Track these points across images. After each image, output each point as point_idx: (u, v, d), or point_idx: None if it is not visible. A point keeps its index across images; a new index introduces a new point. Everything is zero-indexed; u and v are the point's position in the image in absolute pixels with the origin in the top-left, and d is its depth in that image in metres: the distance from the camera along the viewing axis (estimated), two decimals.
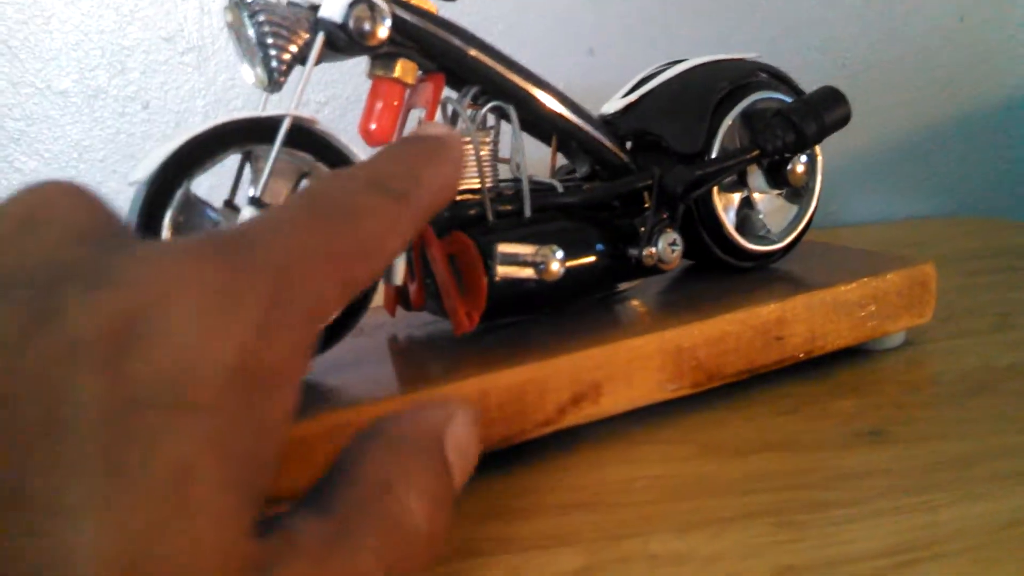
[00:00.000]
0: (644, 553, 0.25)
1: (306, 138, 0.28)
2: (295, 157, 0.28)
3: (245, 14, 0.28)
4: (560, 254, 0.31)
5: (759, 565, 0.24)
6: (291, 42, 0.28)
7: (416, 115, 0.32)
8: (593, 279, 0.35)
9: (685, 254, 0.36)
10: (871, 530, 0.26)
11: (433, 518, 0.18)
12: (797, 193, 0.40)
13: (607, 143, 0.36)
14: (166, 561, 0.14)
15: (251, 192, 0.27)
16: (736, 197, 0.39)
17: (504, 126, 0.34)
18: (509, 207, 0.33)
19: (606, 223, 0.35)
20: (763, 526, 0.26)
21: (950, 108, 0.75)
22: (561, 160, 0.39)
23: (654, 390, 0.33)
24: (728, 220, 0.38)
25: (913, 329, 0.40)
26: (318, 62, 0.29)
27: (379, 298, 0.35)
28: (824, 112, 0.36)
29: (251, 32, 0.27)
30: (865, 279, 0.37)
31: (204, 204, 0.28)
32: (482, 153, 0.32)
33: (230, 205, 0.30)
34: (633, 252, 0.35)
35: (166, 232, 0.26)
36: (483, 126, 0.33)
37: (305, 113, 0.28)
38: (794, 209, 0.40)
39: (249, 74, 0.29)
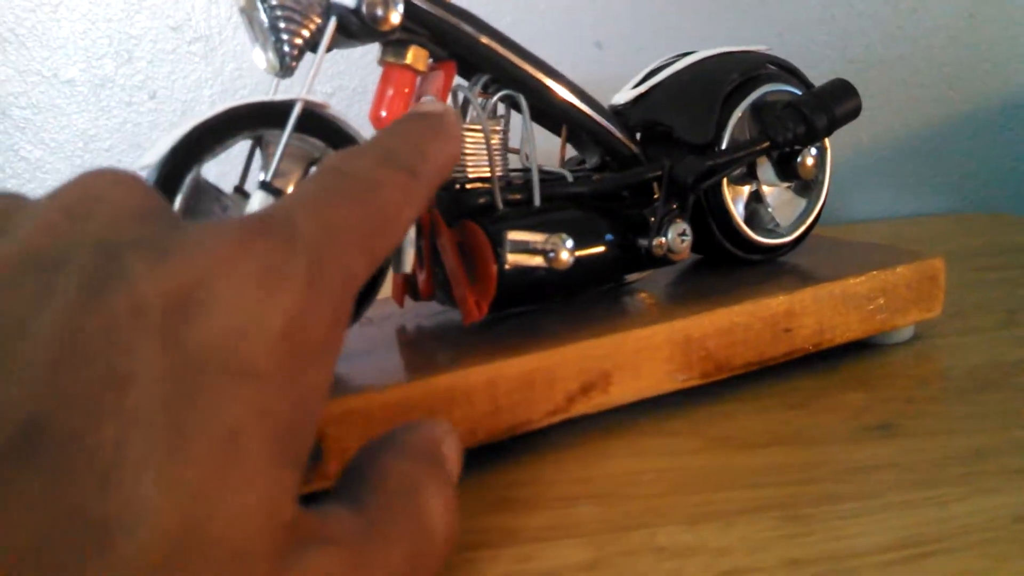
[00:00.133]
0: (651, 545, 0.25)
1: (317, 123, 0.28)
2: (306, 142, 0.28)
3: None
4: (570, 243, 0.31)
5: (767, 558, 0.24)
6: (303, 27, 0.28)
7: None
8: (603, 268, 0.34)
9: (693, 247, 0.36)
10: (880, 524, 0.25)
11: (449, 521, 0.20)
12: (806, 186, 0.40)
13: (617, 133, 0.36)
14: (217, 520, 0.14)
15: (262, 177, 0.27)
16: (745, 190, 0.39)
17: (514, 115, 0.34)
18: (518, 196, 0.33)
19: (616, 213, 0.35)
20: (771, 519, 0.26)
21: (957, 105, 0.74)
22: (571, 151, 0.39)
23: (663, 380, 0.33)
24: (737, 212, 0.38)
25: (921, 324, 0.40)
26: (330, 48, 0.29)
27: (387, 288, 0.34)
28: (834, 104, 0.36)
29: (263, 17, 0.27)
30: (874, 272, 0.37)
31: (214, 189, 0.28)
32: (492, 142, 0.32)
33: (240, 190, 0.30)
34: (643, 242, 0.35)
35: None
36: (493, 115, 0.33)
37: (317, 98, 0.28)
38: (803, 202, 0.40)
39: (261, 59, 0.29)
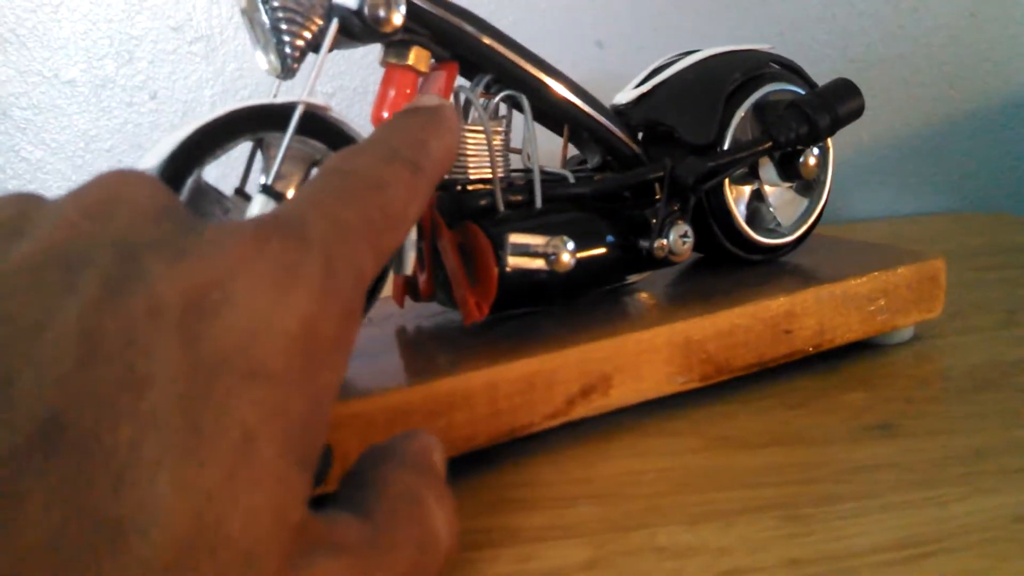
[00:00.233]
0: (652, 545, 0.25)
1: (319, 126, 0.28)
2: (307, 145, 0.28)
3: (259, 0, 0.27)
4: (571, 245, 0.31)
5: (767, 558, 0.24)
6: (305, 28, 0.28)
7: None
8: (604, 270, 0.34)
9: (695, 247, 0.36)
10: (880, 524, 0.25)
11: (451, 531, 0.20)
12: (808, 186, 0.40)
13: (619, 133, 0.36)
14: (229, 522, 0.14)
15: (263, 180, 0.27)
16: (747, 189, 0.39)
17: (516, 116, 0.34)
18: (520, 197, 0.33)
19: (617, 214, 0.35)
20: (772, 519, 0.26)
21: (957, 104, 0.74)
22: (572, 151, 0.39)
23: (663, 382, 0.33)
24: (739, 212, 0.38)
25: (921, 324, 0.40)
26: (332, 49, 0.29)
27: (387, 289, 0.35)
28: (837, 104, 0.36)
29: (265, 18, 0.27)
30: (875, 273, 0.37)
31: (215, 191, 0.28)
32: (494, 143, 0.32)
33: (241, 193, 0.30)
34: (644, 243, 0.35)
35: None
36: (495, 115, 0.33)
37: (318, 100, 0.28)
38: (805, 202, 0.40)
39: (262, 60, 0.29)
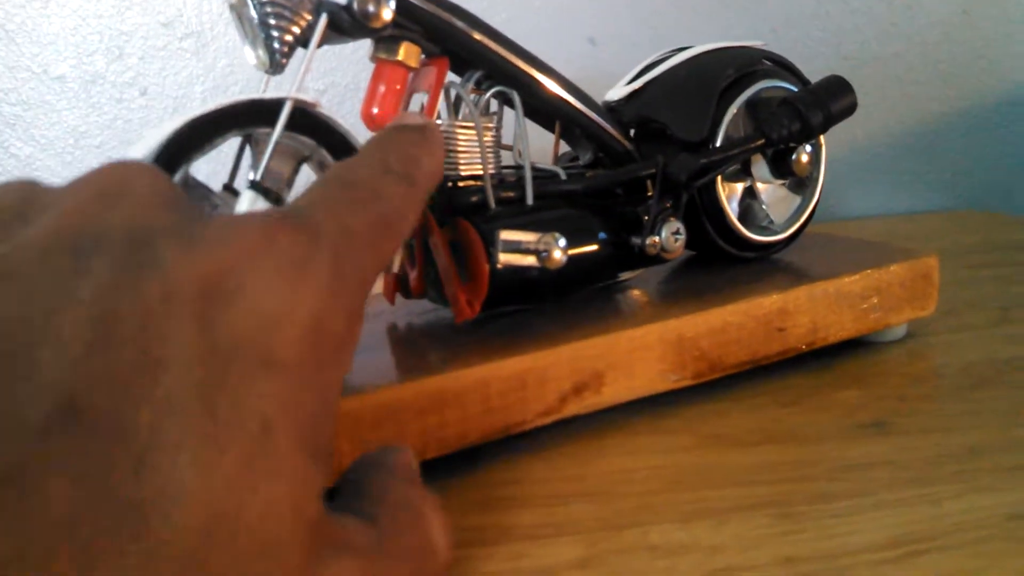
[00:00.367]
0: (644, 543, 0.25)
1: (308, 122, 0.28)
2: (296, 141, 0.28)
3: None
4: (563, 242, 0.31)
5: (760, 556, 0.24)
6: (293, 23, 0.27)
7: (419, 100, 0.31)
8: (596, 267, 0.34)
9: (687, 244, 0.36)
10: (874, 522, 0.25)
11: (448, 542, 0.20)
12: (800, 183, 0.40)
13: (611, 130, 0.36)
14: (248, 510, 0.14)
15: (251, 175, 0.27)
16: (739, 187, 0.39)
17: (507, 113, 0.34)
18: (511, 194, 0.33)
19: (609, 211, 0.35)
20: (765, 517, 0.26)
21: (951, 102, 0.74)
22: (564, 148, 0.39)
23: (656, 380, 0.32)
24: (731, 210, 0.38)
25: (914, 322, 0.40)
26: (321, 44, 0.28)
27: (378, 286, 0.34)
28: (830, 101, 0.36)
29: (253, 13, 0.27)
30: (868, 270, 0.37)
31: (203, 187, 0.28)
32: (485, 139, 0.32)
33: (229, 188, 0.29)
34: (636, 240, 0.34)
35: None
36: (486, 112, 0.33)
37: (307, 96, 0.27)
38: (797, 200, 0.40)
39: (251, 56, 0.28)
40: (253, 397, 0.15)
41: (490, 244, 0.30)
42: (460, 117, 0.33)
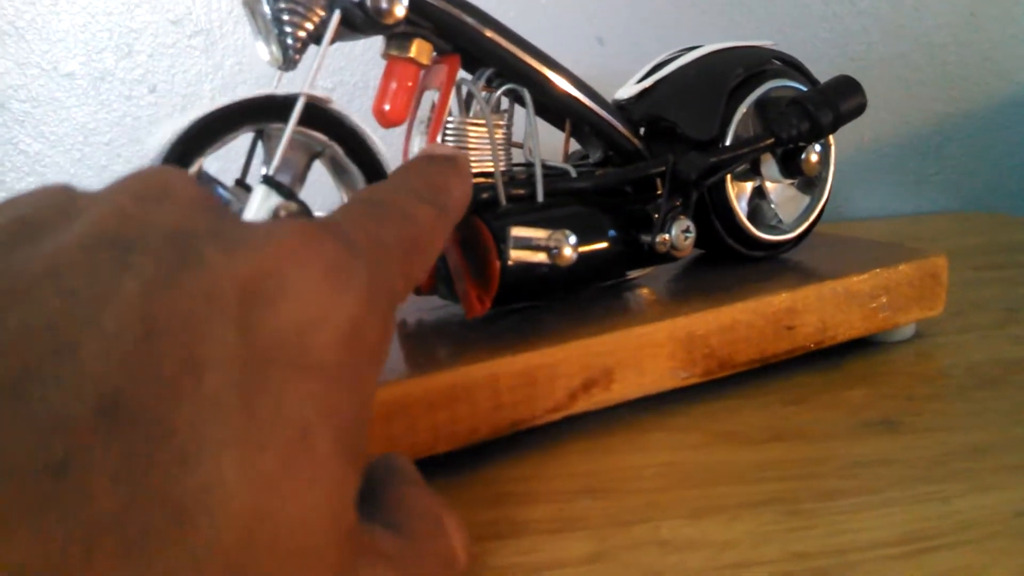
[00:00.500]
0: (655, 539, 0.25)
1: (320, 117, 0.28)
2: (308, 136, 0.28)
3: None
4: (573, 239, 0.31)
5: (770, 552, 0.24)
6: (307, 19, 0.27)
7: (430, 97, 0.32)
8: (605, 264, 0.34)
9: (696, 243, 0.36)
10: (882, 519, 0.25)
11: (465, 549, 0.20)
12: (809, 183, 0.40)
13: (621, 128, 0.36)
14: (288, 512, 0.14)
15: (264, 171, 0.27)
16: (749, 186, 0.39)
17: (518, 110, 0.34)
18: (522, 191, 0.33)
19: (619, 209, 0.35)
20: (774, 514, 0.26)
21: (958, 104, 0.74)
22: (574, 146, 0.39)
23: (665, 377, 0.33)
24: (740, 209, 0.38)
25: (922, 322, 0.40)
26: (334, 41, 0.28)
27: None
28: (839, 101, 0.36)
29: (266, 8, 0.27)
30: (877, 270, 0.37)
31: (216, 182, 0.28)
32: (496, 136, 0.32)
33: (242, 184, 0.29)
34: (646, 238, 0.35)
35: None
36: (497, 109, 0.33)
37: (320, 92, 0.28)
38: (806, 199, 0.40)
39: (263, 51, 0.28)
40: (293, 400, 0.15)
41: (501, 240, 0.30)
42: (471, 114, 0.33)
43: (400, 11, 0.28)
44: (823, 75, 0.39)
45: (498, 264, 0.30)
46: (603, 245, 0.34)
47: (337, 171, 0.31)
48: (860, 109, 0.37)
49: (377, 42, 0.31)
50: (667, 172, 0.36)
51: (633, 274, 0.37)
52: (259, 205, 0.26)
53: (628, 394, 0.32)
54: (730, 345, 0.34)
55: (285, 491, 0.14)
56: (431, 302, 0.36)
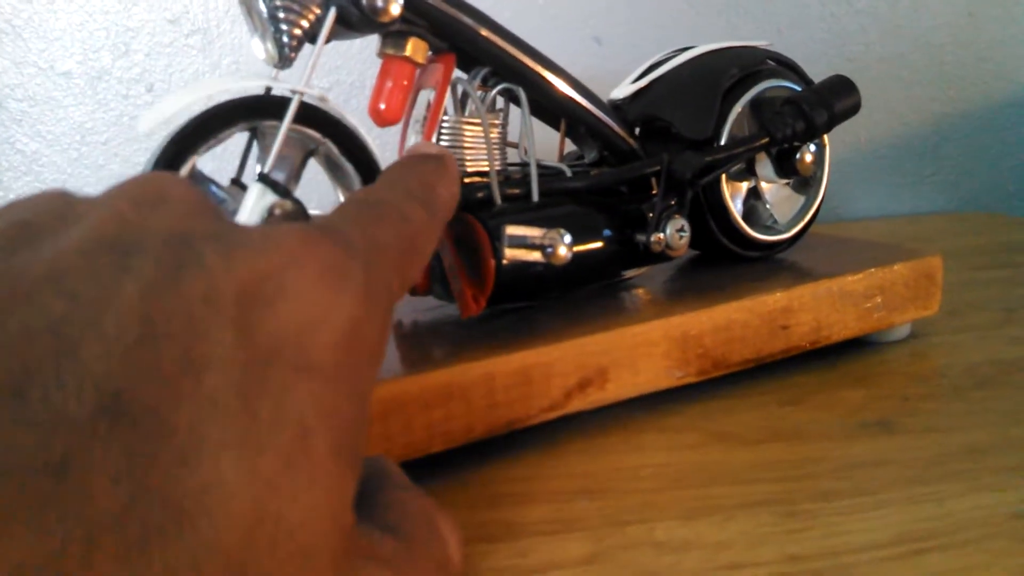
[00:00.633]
0: (650, 540, 0.25)
1: (315, 115, 0.28)
2: (303, 135, 0.28)
3: None
4: (568, 238, 0.31)
5: (765, 553, 0.24)
6: (302, 17, 0.27)
7: (425, 96, 0.32)
8: (600, 264, 0.34)
9: (691, 243, 0.36)
10: (878, 520, 0.25)
11: (460, 552, 0.21)
12: (804, 183, 0.40)
13: (616, 128, 0.36)
14: (289, 514, 0.15)
15: (259, 169, 0.27)
16: (744, 186, 0.39)
17: (513, 110, 0.34)
18: (517, 191, 0.33)
19: (614, 208, 0.35)
20: (769, 515, 0.26)
21: (955, 104, 0.74)
22: (569, 146, 0.39)
23: (660, 376, 0.32)
24: (736, 209, 0.38)
25: (918, 322, 0.40)
26: (329, 39, 0.28)
27: None
28: (834, 101, 0.36)
29: (262, 6, 0.27)
30: (872, 270, 0.37)
31: (210, 181, 0.28)
32: (491, 136, 0.32)
33: (237, 182, 0.29)
34: (641, 238, 0.35)
35: None
36: (492, 108, 0.33)
37: (315, 90, 0.28)
38: (801, 199, 0.40)
39: (259, 49, 0.28)
40: (292, 400, 0.15)
41: (496, 239, 0.30)
42: (466, 113, 0.33)
43: (395, 9, 0.28)
44: (820, 75, 0.39)
45: (493, 263, 0.30)
46: (598, 244, 0.34)
47: (332, 168, 0.31)
48: (855, 109, 0.37)
49: (373, 41, 0.31)
50: (662, 172, 0.35)
51: (628, 274, 0.37)
52: (254, 203, 0.26)
53: (623, 393, 0.32)
54: (725, 345, 0.34)
55: (285, 491, 0.15)
56: (427, 303, 0.36)
